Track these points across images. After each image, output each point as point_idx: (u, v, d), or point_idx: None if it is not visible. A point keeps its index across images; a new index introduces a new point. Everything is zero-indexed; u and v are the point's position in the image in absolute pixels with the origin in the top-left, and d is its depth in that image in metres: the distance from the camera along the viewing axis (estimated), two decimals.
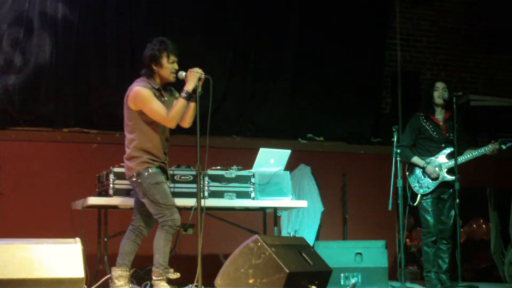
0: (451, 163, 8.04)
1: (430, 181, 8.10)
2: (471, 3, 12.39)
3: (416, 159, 8.20)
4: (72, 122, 9.67)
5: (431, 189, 8.10)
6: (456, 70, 12.26)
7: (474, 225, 10.26)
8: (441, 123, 8.28)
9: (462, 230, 10.12)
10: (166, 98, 6.52)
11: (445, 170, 8.11)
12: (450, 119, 8.20)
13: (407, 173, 8.23)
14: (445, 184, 8.11)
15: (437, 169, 8.08)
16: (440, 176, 8.08)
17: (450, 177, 8.05)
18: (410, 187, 8.19)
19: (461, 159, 8.11)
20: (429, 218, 8.08)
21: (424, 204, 8.12)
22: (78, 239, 6.12)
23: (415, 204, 8.12)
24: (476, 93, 11.92)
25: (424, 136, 8.27)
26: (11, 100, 9.39)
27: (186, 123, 6.55)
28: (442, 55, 12.28)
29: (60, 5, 9.65)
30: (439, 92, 8.22)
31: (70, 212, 7.73)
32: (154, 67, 6.46)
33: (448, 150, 8.15)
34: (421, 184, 8.14)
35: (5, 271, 5.72)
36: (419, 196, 8.12)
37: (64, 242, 6.05)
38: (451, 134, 8.15)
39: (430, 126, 8.26)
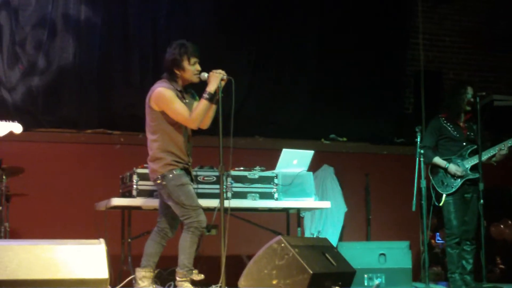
0: (473, 161, 8.00)
1: (454, 180, 8.06)
2: (494, 2, 12.30)
3: (438, 160, 8.16)
4: (95, 123, 9.72)
5: (455, 189, 8.05)
6: (479, 69, 12.18)
7: (502, 226, 10.18)
8: (461, 123, 8.24)
9: (493, 229, 10.09)
10: (187, 100, 6.52)
11: (468, 168, 8.06)
12: (471, 119, 8.16)
13: (430, 174, 8.19)
14: (468, 183, 8.06)
15: (460, 167, 8.04)
16: (465, 173, 8.03)
17: (473, 175, 8.00)
18: (434, 187, 8.14)
19: (483, 158, 8.06)
20: (452, 219, 8.03)
21: (447, 205, 8.07)
22: (102, 240, 6.13)
23: (440, 204, 8.07)
24: (499, 92, 11.84)
25: (445, 136, 8.23)
26: (35, 101, 9.45)
27: (205, 124, 6.55)
28: (464, 55, 12.20)
29: (83, 7, 9.70)
30: (470, 100, 8.16)
31: (94, 213, 7.77)
32: (177, 71, 6.46)
33: (470, 149, 8.11)
34: (445, 184, 8.09)
35: (30, 271, 5.75)
36: (444, 196, 8.07)
37: (88, 243, 6.08)
38: (471, 133, 8.11)
39: (451, 126, 8.22)
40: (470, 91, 8.21)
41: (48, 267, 5.82)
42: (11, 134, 7.11)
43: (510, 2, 12.04)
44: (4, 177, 8.15)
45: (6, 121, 7.13)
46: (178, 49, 6.47)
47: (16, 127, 7.13)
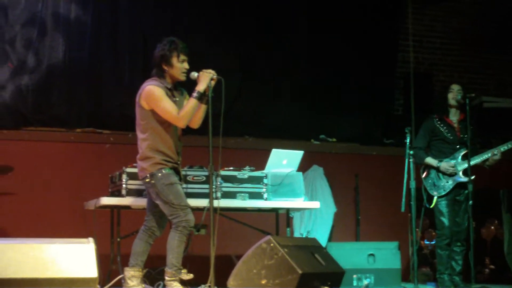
0: (466, 165, 8.01)
1: (446, 182, 8.08)
2: (482, 3, 12.33)
3: (429, 160, 8.19)
4: (85, 122, 9.70)
5: (446, 191, 8.08)
6: (468, 71, 12.22)
7: (492, 227, 10.23)
8: (455, 125, 8.27)
9: (484, 230, 10.13)
10: (177, 98, 6.52)
11: (460, 171, 8.08)
12: (464, 120, 8.17)
13: (422, 176, 8.21)
14: (460, 186, 8.08)
15: (452, 163, 8.06)
16: (456, 176, 8.06)
17: (464, 178, 8.02)
18: (426, 189, 8.16)
19: (474, 161, 8.08)
20: (444, 220, 8.06)
21: (439, 206, 8.10)
22: (91, 239, 6.13)
23: (431, 206, 8.10)
24: (487, 94, 11.88)
25: (438, 137, 8.26)
26: (24, 100, 9.43)
27: (195, 124, 6.55)
28: (454, 56, 12.23)
29: (73, 6, 9.68)
30: (454, 94, 8.23)
31: (83, 212, 7.75)
32: (165, 67, 6.45)
33: (462, 152, 8.13)
34: (437, 186, 8.12)
35: (18, 270, 5.75)
36: (435, 198, 8.09)
37: (78, 242, 6.07)
38: (465, 136, 8.12)
39: (444, 128, 8.25)
40: (454, 87, 8.27)
41: (37, 266, 5.81)
42: None
43: (499, 3, 12.08)
44: None
45: None
46: (168, 45, 6.48)
47: None
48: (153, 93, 6.36)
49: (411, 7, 11.56)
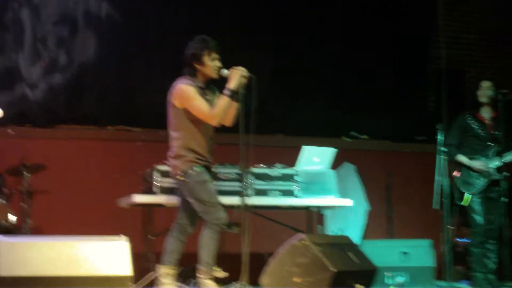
0: (498, 162, 7.95)
1: (478, 179, 8.01)
2: None
3: (461, 157, 8.12)
4: (116, 120, 9.76)
5: (479, 189, 8.01)
6: (501, 67, 12.10)
7: None
8: (487, 122, 8.19)
9: None
10: (209, 97, 6.52)
11: (493, 168, 8.01)
12: (497, 117, 8.10)
13: (454, 173, 8.15)
14: (492, 183, 8.01)
15: (484, 162, 8.00)
16: (490, 173, 7.99)
17: (497, 175, 7.95)
18: (457, 186, 8.10)
19: (507, 158, 8.00)
20: (477, 218, 7.99)
21: (472, 204, 8.03)
22: (124, 237, 6.14)
23: (463, 203, 8.04)
24: None
25: (470, 134, 8.20)
26: (56, 98, 9.50)
27: (228, 122, 6.56)
28: (487, 53, 12.13)
29: (104, 4, 9.74)
30: (484, 91, 8.16)
31: (116, 210, 7.78)
32: (196, 65, 6.46)
33: (494, 149, 8.06)
34: (469, 184, 8.05)
35: (53, 268, 5.78)
36: (467, 195, 8.03)
37: (111, 240, 6.09)
38: (497, 132, 8.05)
39: (476, 125, 8.18)
40: (483, 84, 8.20)
41: (71, 263, 5.84)
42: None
43: None
44: (27, 174, 8.19)
45: None
46: (199, 43, 6.49)
47: None
48: (185, 92, 6.37)
49: (443, 3, 11.48)
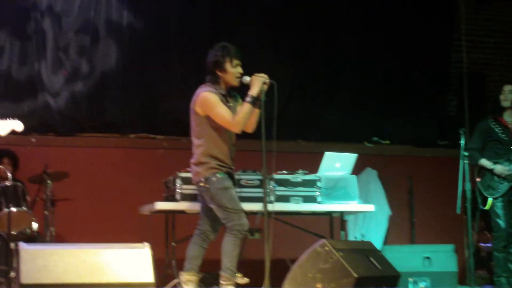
0: None
1: (501, 183, 7.97)
2: None
3: (484, 161, 8.08)
4: (139, 128, 9.80)
5: (501, 193, 7.97)
6: None
7: None
8: (510, 126, 8.15)
9: None
10: (231, 104, 6.52)
11: None
12: None
13: (476, 178, 8.11)
14: None
15: (506, 167, 7.96)
16: (511, 177, 7.95)
17: None
18: (480, 191, 8.06)
19: None
20: (500, 222, 7.95)
21: (495, 208, 7.99)
22: (146, 244, 6.16)
23: (486, 207, 8.00)
24: None
25: (492, 138, 8.15)
26: (79, 107, 9.56)
27: (250, 128, 6.54)
28: (508, 56, 12.05)
29: (125, 13, 9.79)
30: (505, 95, 8.12)
31: (138, 217, 7.80)
32: (218, 73, 6.46)
33: None
34: (492, 188, 8.01)
35: (76, 275, 5.81)
36: (489, 200, 7.99)
37: (134, 247, 6.12)
38: None
39: (499, 129, 8.14)
40: (506, 88, 8.15)
41: (94, 271, 5.87)
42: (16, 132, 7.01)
43: None
44: (49, 182, 8.24)
45: (8, 119, 7.11)
46: (220, 50, 6.48)
47: (17, 125, 7.12)
48: (207, 99, 6.37)
49: (464, 7, 11.43)
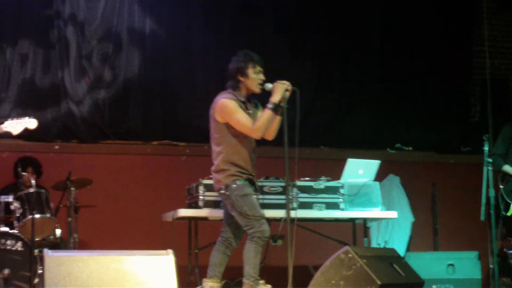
0: None
1: None
2: None
3: (507, 168, 8.05)
4: (161, 135, 9.83)
5: None
6: None
7: None
8: None
9: None
10: (251, 111, 6.51)
11: None
12: None
13: (500, 184, 8.07)
14: None
15: None
16: None
17: None
18: (503, 196, 8.02)
19: None
20: None
21: None
22: (170, 251, 6.17)
23: (508, 213, 7.95)
24: None
25: None
26: (101, 114, 9.61)
27: (270, 136, 6.53)
28: None
29: (148, 20, 9.84)
30: None
31: (161, 223, 7.82)
32: (241, 78, 6.45)
33: None
34: None
35: (100, 282, 5.83)
36: None
37: (157, 254, 6.13)
38: None
39: None
40: None
41: (118, 277, 5.89)
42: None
43: None
44: (72, 188, 8.28)
45: (21, 118, 7.15)
46: (243, 57, 6.49)
47: (31, 123, 7.15)
48: (226, 106, 6.37)
49: (486, 13, 11.39)
